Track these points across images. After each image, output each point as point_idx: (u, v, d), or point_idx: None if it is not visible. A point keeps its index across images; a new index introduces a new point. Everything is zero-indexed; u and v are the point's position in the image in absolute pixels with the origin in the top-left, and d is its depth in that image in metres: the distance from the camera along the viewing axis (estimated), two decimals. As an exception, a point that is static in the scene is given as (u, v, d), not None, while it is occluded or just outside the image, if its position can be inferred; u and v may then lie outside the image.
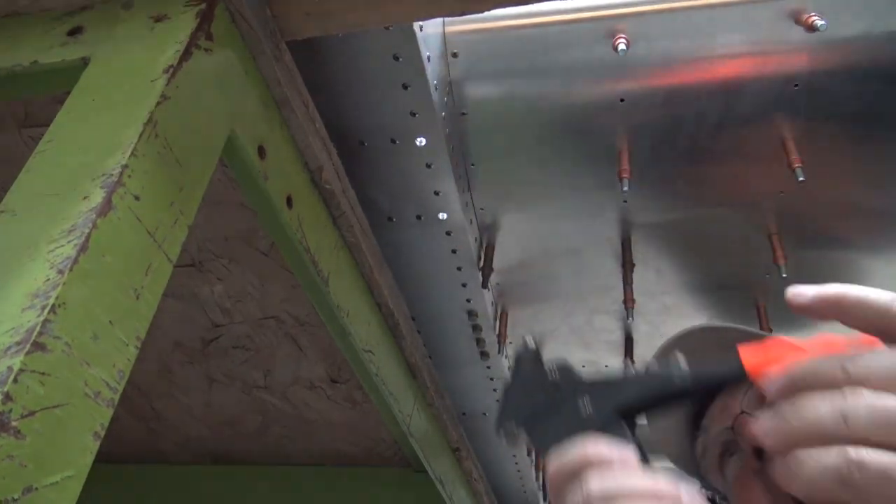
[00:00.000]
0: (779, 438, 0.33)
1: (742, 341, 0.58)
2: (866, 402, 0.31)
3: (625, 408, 0.49)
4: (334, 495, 1.07)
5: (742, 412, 0.62)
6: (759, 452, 0.59)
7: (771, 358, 0.46)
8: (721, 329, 0.70)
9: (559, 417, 0.51)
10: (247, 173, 0.46)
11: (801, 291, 0.36)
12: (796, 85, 0.56)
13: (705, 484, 0.69)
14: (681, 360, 0.46)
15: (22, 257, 0.30)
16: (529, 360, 0.58)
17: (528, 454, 0.89)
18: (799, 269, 0.66)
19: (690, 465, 0.72)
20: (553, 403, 0.53)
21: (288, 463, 1.10)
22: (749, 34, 0.54)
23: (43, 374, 0.27)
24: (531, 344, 0.56)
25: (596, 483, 0.41)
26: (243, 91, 0.44)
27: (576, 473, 0.42)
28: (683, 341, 0.70)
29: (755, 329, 0.69)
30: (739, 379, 0.45)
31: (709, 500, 0.66)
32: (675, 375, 0.48)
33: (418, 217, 0.67)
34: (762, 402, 0.61)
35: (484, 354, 0.86)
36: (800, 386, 0.34)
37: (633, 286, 0.78)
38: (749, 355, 0.46)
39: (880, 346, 0.35)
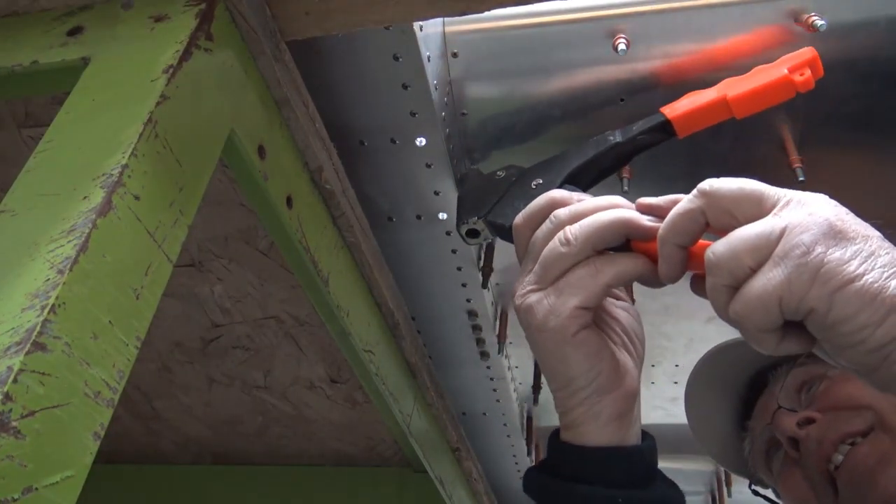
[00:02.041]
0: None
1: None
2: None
3: (572, 174, 0.54)
4: (334, 495, 1.07)
5: (779, 407, 0.65)
6: (795, 443, 0.62)
7: (685, 104, 0.54)
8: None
9: (515, 198, 0.56)
10: (247, 173, 0.46)
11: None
12: (796, 84, 0.56)
13: (756, 481, 0.73)
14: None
15: (22, 257, 0.30)
16: (474, 173, 0.63)
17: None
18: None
19: (741, 467, 0.76)
20: (508, 190, 0.57)
21: (288, 463, 1.10)
22: (749, 34, 0.54)
23: (43, 374, 0.27)
24: (474, 167, 0.61)
25: (563, 211, 0.46)
26: (243, 91, 0.44)
27: (543, 214, 0.47)
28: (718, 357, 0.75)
29: None
30: (662, 126, 0.54)
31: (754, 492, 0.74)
32: (607, 135, 0.55)
33: (418, 217, 0.67)
34: (797, 394, 0.65)
35: (484, 354, 0.86)
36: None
37: (633, 286, 0.78)
38: (667, 109, 0.53)
39: None
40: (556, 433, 0.49)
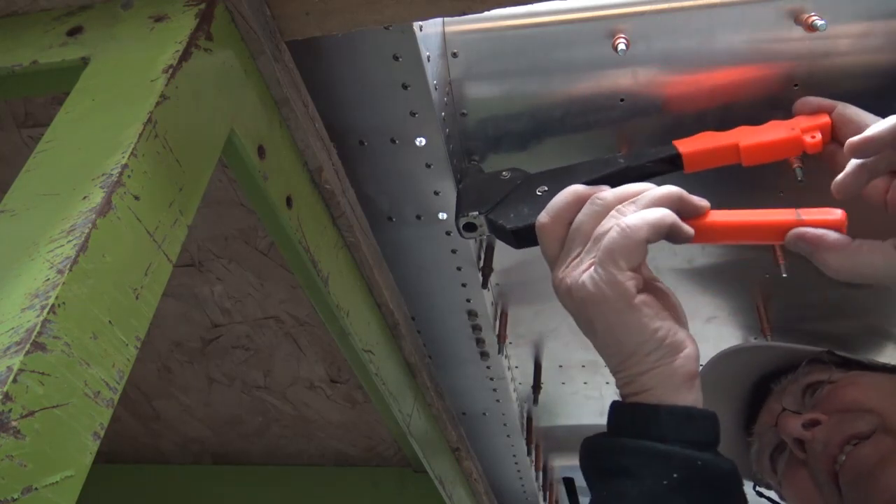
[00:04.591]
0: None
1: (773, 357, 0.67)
2: None
3: None
4: (334, 495, 1.07)
5: (783, 409, 0.67)
6: (801, 444, 0.64)
7: (699, 142, 0.56)
8: (758, 348, 0.76)
9: (519, 202, 0.57)
10: (246, 173, 0.46)
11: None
12: (796, 85, 0.56)
13: (761, 483, 0.75)
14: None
15: (21, 257, 0.30)
16: (476, 170, 0.64)
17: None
18: (799, 268, 0.66)
19: (745, 470, 0.77)
20: (511, 192, 0.58)
21: (288, 463, 1.10)
22: (749, 34, 0.54)
23: (43, 373, 0.27)
24: (475, 163, 0.63)
25: (607, 194, 0.49)
26: (243, 91, 0.44)
27: (571, 208, 0.50)
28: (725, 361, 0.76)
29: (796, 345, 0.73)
30: (672, 159, 0.56)
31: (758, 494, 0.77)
32: (617, 156, 0.57)
33: (418, 217, 0.67)
34: (801, 398, 0.67)
35: (484, 354, 0.86)
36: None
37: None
38: (680, 144, 0.56)
39: None
40: (616, 404, 0.49)
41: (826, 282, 0.76)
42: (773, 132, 0.54)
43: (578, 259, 0.48)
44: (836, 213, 0.49)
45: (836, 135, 0.53)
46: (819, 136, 0.52)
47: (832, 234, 0.47)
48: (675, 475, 0.42)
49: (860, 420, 0.60)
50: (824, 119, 0.53)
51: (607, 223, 0.47)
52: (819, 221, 0.48)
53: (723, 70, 0.56)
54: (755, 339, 0.84)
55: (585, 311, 0.47)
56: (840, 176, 0.49)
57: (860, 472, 0.58)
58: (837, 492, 0.60)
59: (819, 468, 0.61)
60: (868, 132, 0.46)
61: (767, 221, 0.49)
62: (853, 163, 0.48)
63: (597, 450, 0.48)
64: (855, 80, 0.55)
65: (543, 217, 0.51)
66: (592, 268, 0.47)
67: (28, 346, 0.27)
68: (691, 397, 0.46)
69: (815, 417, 0.63)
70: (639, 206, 0.47)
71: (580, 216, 0.49)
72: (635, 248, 0.46)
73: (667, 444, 0.44)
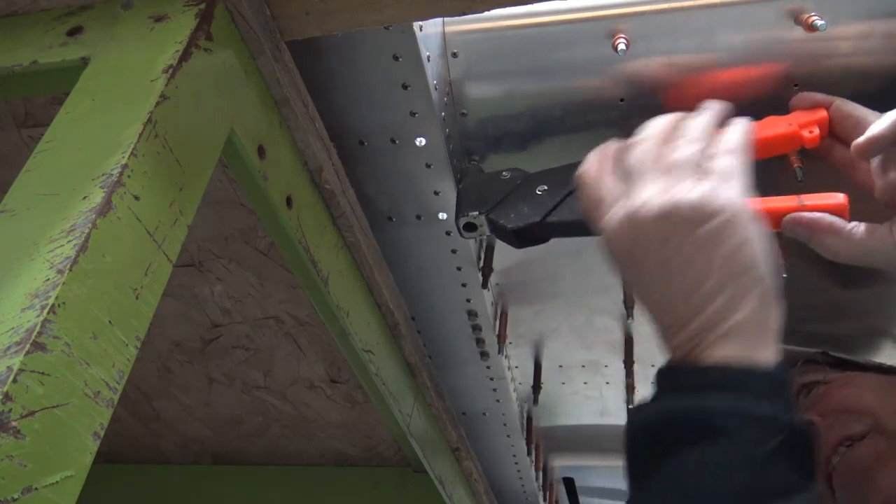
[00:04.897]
0: None
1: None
2: None
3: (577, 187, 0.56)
4: (334, 495, 1.07)
5: None
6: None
7: None
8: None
9: (519, 202, 0.57)
10: (246, 173, 0.46)
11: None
12: (796, 85, 0.56)
13: None
14: None
15: (21, 257, 0.30)
16: (475, 169, 0.64)
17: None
18: (800, 269, 0.66)
19: None
20: (511, 192, 0.58)
21: (288, 463, 1.10)
22: (749, 34, 0.54)
23: (43, 374, 0.27)
24: (475, 162, 0.62)
25: (666, 123, 0.48)
26: (243, 91, 0.44)
27: (609, 156, 0.47)
28: None
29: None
30: None
31: None
32: None
33: (418, 217, 0.67)
34: (796, 399, 0.67)
35: (484, 354, 0.86)
36: None
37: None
38: None
39: None
40: (692, 364, 0.40)
41: (826, 283, 0.76)
42: (770, 128, 0.54)
43: (649, 184, 0.43)
44: (839, 198, 0.49)
45: (833, 130, 0.53)
46: (817, 130, 0.52)
47: (828, 217, 0.47)
48: (779, 437, 0.38)
49: (854, 421, 0.60)
50: (822, 114, 0.53)
51: (684, 148, 0.44)
52: (821, 206, 0.48)
53: (723, 70, 0.56)
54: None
55: (676, 234, 0.40)
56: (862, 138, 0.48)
57: (855, 474, 0.58)
58: (831, 493, 0.60)
59: None
60: (871, 132, 0.46)
61: (770, 207, 0.49)
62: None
63: (677, 414, 0.39)
64: (855, 80, 0.55)
65: (588, 166, 0.47)
66: (708, 183, 0.41)
67: (28, 346, 0.27)
68: (775, 352, 0.40)
69: (809, 419, 0.63)
70: (694, 135, 0.45)
71: (643, 146, 0.45)
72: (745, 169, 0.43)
73: (766, 406, 0.38)
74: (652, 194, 0.42)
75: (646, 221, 0.42)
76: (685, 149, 0.44)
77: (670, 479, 0.38)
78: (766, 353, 0.40)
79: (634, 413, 0.42)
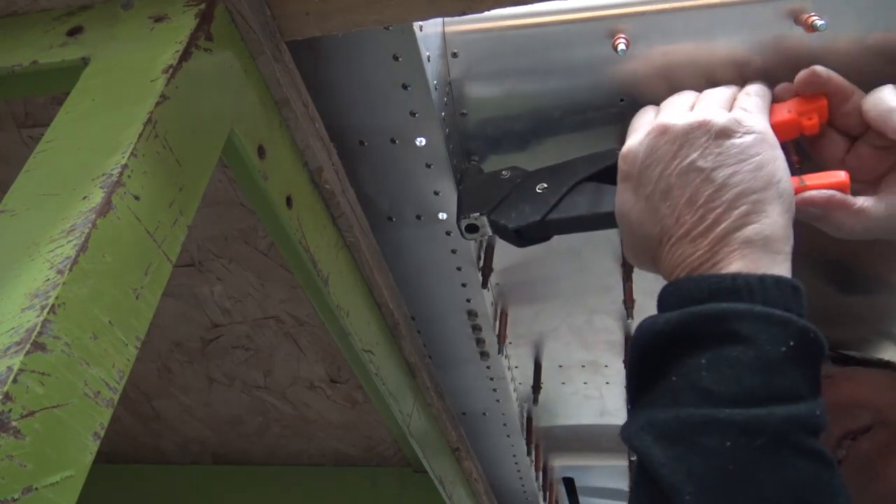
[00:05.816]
0: None
1: None
2: None
3: (578, 184, 0.56)
4: (334, 495, 1.07)
5: None
6: None
7: None
8: None
9: (519, 201, 0.57)
10: (246, 173, 0.46)
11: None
12: (796, 85, 0.56)
13: None
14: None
15: (21, 257, 0.30)
16: (475, 170, 0.64)
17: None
18: (799, 270, 0.66)
19: None
20: (512, 191, 0.58)
21: (288, 463, 1.10)
22: (749, 34, 0.54)
23: (43, 374, 0.27)
24: (475, 162, 0.62)
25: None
26: (243, 91, 0.44)
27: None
28: None
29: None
30: None
31: None
32: (615, 150, 0.55)
33: (418, 217, 0.67)
34: None
35: (484, 354, 0.86)
36: None
37: (633, 286, 0.78)
38: None
39: None
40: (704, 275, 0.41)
41: (827, 285, 0.76)
42: (770, 116, 0.54)
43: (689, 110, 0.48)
44: (840, 175, 0.49)
45: (832, 115, 0.52)
46: (816, 117, 0.52)
47: (839, 194, 0.47)
48: (791, 342, 0.38)
49: (857, 415, 0.60)
50: (821, 101, 0.53)
51: (713, 93, 0.50)
52: (825, 185, 0.48)
53: (723, 70, 0.56)
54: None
55: (704, 143, 0.44)
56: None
57: (860, 466, 0.58)
58: None
59: None
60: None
61: None
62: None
63: (689, 320, 0.40)
64: (855, 80, 0.55)
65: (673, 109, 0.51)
66: (738, 112, 0.46)
67: (28, 346, 0.27)
68: (789, 268, 0.41)
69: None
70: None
71: (671, 100, 0.52)
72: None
73: (779, 311, 0.39)
74: (683, 114, 0.47)
75: (675, 130, 0.45)
76: (714, 93, 0.49)
77: (682, 378, 0.39)
78: (782, 265, 0.41)
79: (645, 322, 0.42)
